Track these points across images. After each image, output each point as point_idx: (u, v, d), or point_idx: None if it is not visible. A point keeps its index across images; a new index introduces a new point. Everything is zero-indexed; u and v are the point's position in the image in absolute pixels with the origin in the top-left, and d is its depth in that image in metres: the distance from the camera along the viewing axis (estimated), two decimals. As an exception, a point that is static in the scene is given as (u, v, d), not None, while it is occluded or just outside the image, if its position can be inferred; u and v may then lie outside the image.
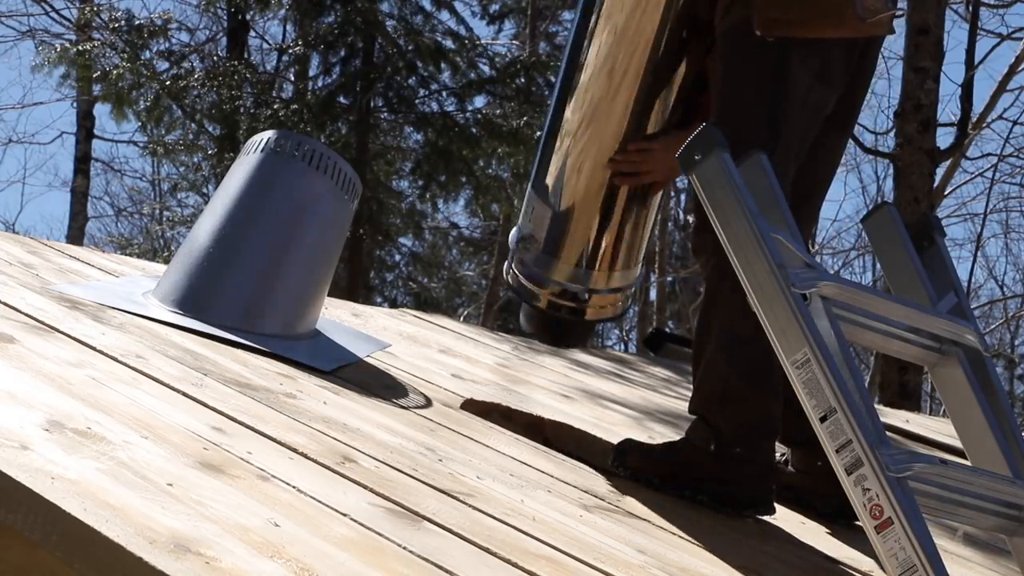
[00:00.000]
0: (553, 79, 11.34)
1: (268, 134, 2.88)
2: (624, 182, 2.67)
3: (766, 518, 2.51)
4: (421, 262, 15.89)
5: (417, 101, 11.32)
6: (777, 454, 2.68)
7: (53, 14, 16.92)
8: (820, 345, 1.95)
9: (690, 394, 2.59)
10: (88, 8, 13.52)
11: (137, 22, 11.36)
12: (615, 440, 2.67)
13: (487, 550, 1.65)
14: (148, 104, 11.17)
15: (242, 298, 2.71)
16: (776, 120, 2.42)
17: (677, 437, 2.62)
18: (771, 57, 2.42)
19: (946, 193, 13.16)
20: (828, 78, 2.47)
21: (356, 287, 11.27)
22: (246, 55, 12.76)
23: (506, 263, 2.88)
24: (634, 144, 2.63)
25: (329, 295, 3.22)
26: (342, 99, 11.24)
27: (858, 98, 2.63)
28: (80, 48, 11.54)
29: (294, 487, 1.65)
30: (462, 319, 13.55)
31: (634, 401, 3.71)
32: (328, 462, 1.84)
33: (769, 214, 2.13)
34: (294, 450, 1.84)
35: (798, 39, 2.41)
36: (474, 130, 11.15)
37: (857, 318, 2.15)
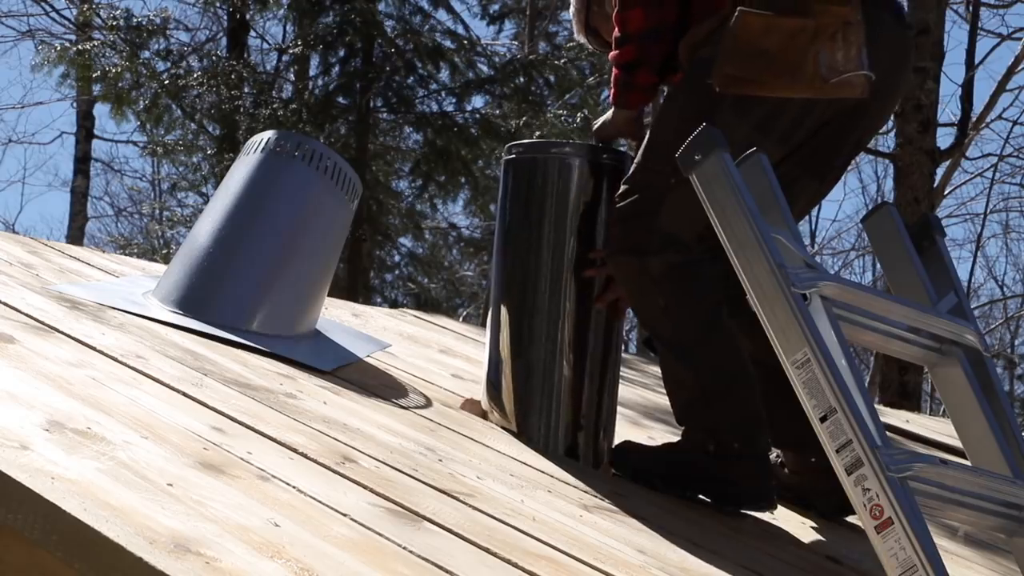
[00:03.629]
0: (552, 78, 11.34)
1: (268, 134, 2.88)
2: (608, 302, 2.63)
3: (766, 518, 2.51)
4: (421, 262, 15.86)
5: (416, 101, 11.30)
6: (772, 455, 2.69)
7: (53, 14, 16.92)
8: (820, 345, 1.95)
9: None
10: (87, 7, 13.50)
11: (135, 20, 11.34)
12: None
13: (487, 550, 1.65)
14: (148, 104, 11.16)
15: (242, 298, 2.70)
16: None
17: (677, 437, 2.62)
18: (705, 96, 2.43)
19: (946, 193, 13.15)
20: (770, 131, 2.45)
21: (356, 287, 11.25)
22: (246, 55, 12.74)
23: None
24: (591, 272, 2.61)
25: (329, 295, 3.22)
26: (341, 99, 11.23)
27: (839, 152, 2.60)
28: (80, 48, 11.52)
29: (294, 487, 1.65)
30: (462, 319, 13.54)
31: (633, 400, 3.71)
32: (328, 462, 1.84)
33: (769, 214, 2.13)
34: (294, 450, 1.84)
35: (739, 95, 2.42)
36: (473, 130, 11.14)
37: (857, 318, 2.15)
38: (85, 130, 16.62)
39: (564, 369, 2.59)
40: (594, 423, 2.62)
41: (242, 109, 11.03)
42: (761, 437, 2.50)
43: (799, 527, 2.58)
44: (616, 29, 2.62)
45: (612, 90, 2.70)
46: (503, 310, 2.66)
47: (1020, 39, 12.35)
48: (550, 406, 2.59)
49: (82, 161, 16.69)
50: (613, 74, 2.68)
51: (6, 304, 2.29)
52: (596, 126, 2.76)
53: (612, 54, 2.65)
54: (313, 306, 2.88)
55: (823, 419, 1.91)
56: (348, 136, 10.99)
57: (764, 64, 2.39)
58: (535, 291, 2.61)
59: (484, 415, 2.69)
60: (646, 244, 2.46)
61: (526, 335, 2.62)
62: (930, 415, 7.45)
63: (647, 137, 2.56)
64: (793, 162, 2.52)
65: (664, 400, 3.98)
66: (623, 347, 2.94)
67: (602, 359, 2.63)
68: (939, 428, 4.81)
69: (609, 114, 2.73)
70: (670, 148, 2.26)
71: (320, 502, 1.62)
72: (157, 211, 18.77)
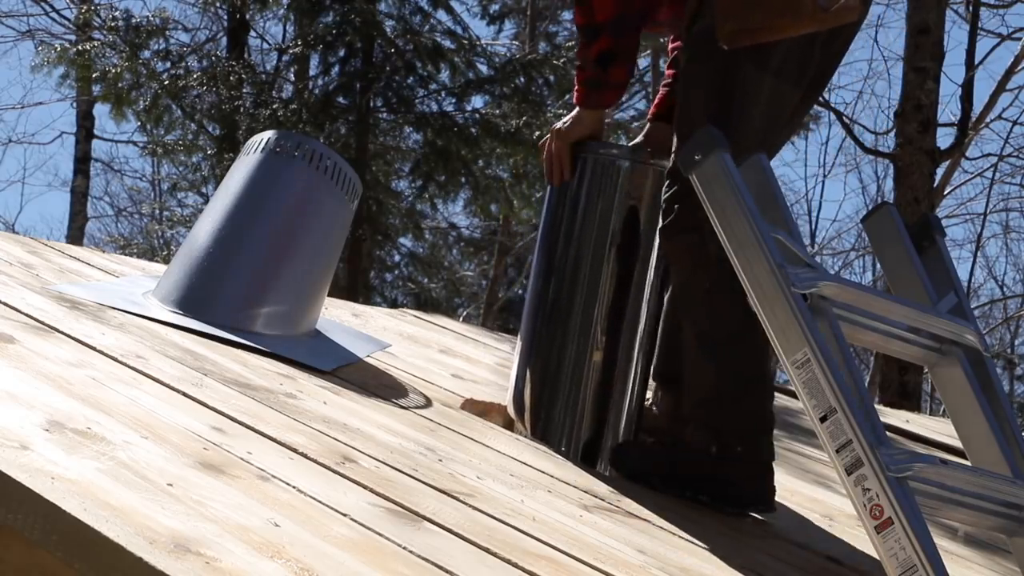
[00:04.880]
0: (552, 78, 11.34)
1: (268, 134, 2.88)
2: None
3: (766, 518, 2.51)
4: (421, 262, 15.87)
5: (416, 101, 11.30)
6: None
7: (53, 14, 16.93)
8: (820, 345, 1.95)
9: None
10: (87, 8, 13.51)
11: (135, 21, 11.35)
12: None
13: (487, 550, 1.66)
14: (147, 104, 11.17)
15: (242, 298, 2.70)
16: (725, 122, 2.42)
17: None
18: (722, 65, 2.45)
19: (946, 193, 13.16)
20: (786, 74, 2.48)
21: (356, 287, 11.25)
22: (246, 55, 12.74)
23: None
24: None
25: (329, 295, 3.22)
26: (341, 99, 11.23)
27: (828, 75, 2.64)
28: (80, 48, 11.53)
29: (294, 487, 1.65)
30: (462, 319, 13.54)
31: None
32: (328, 462, 1.84)
33: (769, 214, 2.13)
34: (294, 450, 1.84)
35: (751, 46, 2.43)
36: (473, 130, 11.14)
37: (857, 318, 2.15)
38: (85, 130, 16.62)
39: (593, 372, 2.59)
40: (617, 429, 2.62)
41: (242, 109, 11.02)
42: (766, 442, 2.50)
43: (799, 527, 2.58)
44: (580, 17, 2.53)
45: (578, 90, 2.60)
46: (539, 312, 2.65)
47: (1020, 39, 12.36)
48: (575, 409, 2.59)
49: (82, 161, 16.69)
50: (580, 73, 2.58)
51: (6, 304, 2.29)
52: (561, 130, 2.63)
53: (582, 47, 2.56)
54: (313, 306, 2.88)
55: (823, 419, 1.91)
56: (348, 136, 10.99)
57: (762, 9, 2.40)
58: (572, 292, 2.61)
59: (484, 415, 2.69)
60: (706, 222, 2.44)
61: (559, 337, 2.62)
62: (930, 415, 7.45)
63: (679, 120, 2.51)
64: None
65: (664, 400, 3.98)
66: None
67: (632, 362, 2.63)
68: (939, 428, 4.81)
69: (573, 116, 2.63)
70: (708, 121, 2.25)
71: (320, 502, 1.62)
72: (157, 211, 18.78)
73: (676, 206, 2.48)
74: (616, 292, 2.60)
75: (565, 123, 2.65)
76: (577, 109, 2.63)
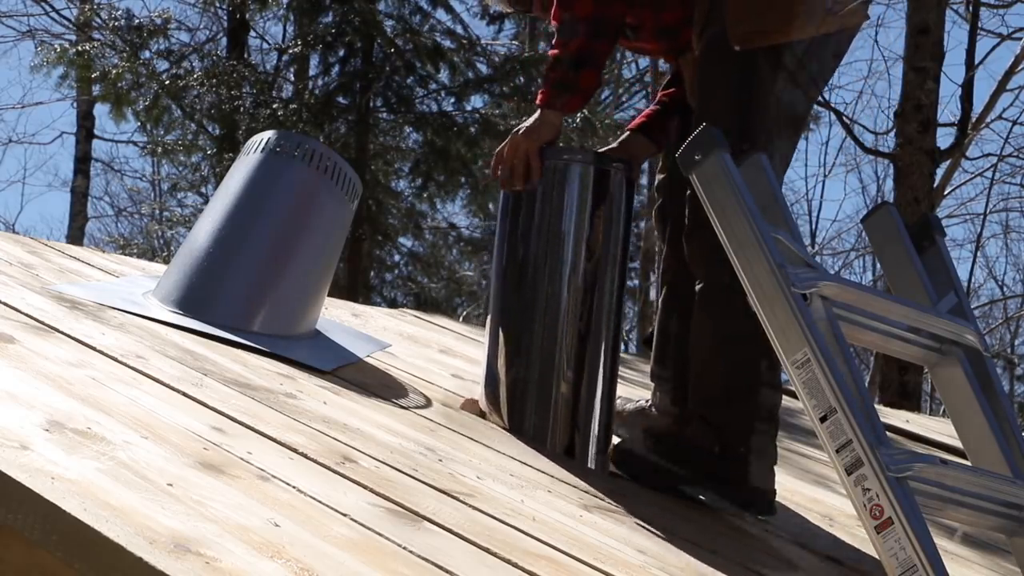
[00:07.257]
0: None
1: (268, 134, 2.88)
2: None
3: (766, 518, 2.51)
4: (421, 262, 15.86)
5: (416, 101, 11.31)
6: (643, 401, 2.69)
7: (53, 14, 16.92)
8: (820, 345, 1.95)
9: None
10: (88, 8, 13.51)
11: (136, 22, 11.36)
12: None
13: (487, 550, 1.66)
14: (147, 104, 11.17)
15: (242, 298, 2.70)
16: (745, 126, 2.42)
17: (677, 437, 2.62)
18: (738, 66, 2.46)
19: (946, 193, 13.14)
20: (800, 79, 2.50)
21: (356, 287, 11.25)
22: (246, 55, 12.74)
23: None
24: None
25: (329, 295, 3.22)
26: (341, 99, 11.23)
27: (830, 75, 2.71)
28: (80, 48, 11.53)
29: (294, 487, 1.65)
30: (462, 319, 13.54)
31: (634, 400, 3.70)
32: (328, 462, 1.84)
33: (769, 214, 2.13)
34: (294, 450, 1.84)
35: (767, 47, 2.44)
36: (472, 129, 11.14)
37: (857, 318, 2.15)
38: (85, 130, 16.61)
39: (564, 373, 2.59)
40: (590, 427, 2.62)
41: (242, 109, 11.02)
42: (770, 445, 2.49)
43: (799, 527, 2.58)
44: (557, 11, 2.51)
45: (545, 90, 2.55)
46: (501, 316, 2.65)
47: (1020, 39, 12.35)
48: (547, 410, 2.59)
49: (82, 161, 16.68)
50: (551, 72, 2.55)
51: (6, 304, 2.29)
52: (528, 132, 2.58)
53: (558, 45, 2.53)
54: (313, 306, 2.88)
55: (823, 419, 1.91)
56: (348, 136, 10.99)
57: (776, 11, 2.41)
58: (533, 296, 2.61)
59: (484, 415, 2.69)
60: None
61: (525, 340, 2.61)
62: (930, 415, 7.45)
63: (698, 123, 2.50)
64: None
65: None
66: (623, 347, 2.94)
67: (601, 362, 2.62)
68: (939, 428, 4.81)
69: (538, 118, 2.58)
70: (730, 123, 2.23)
71: (320, 502, 1.62)
72: (157, 211, 18.76)
73: (698, 206, 2.48)
74: (583, 291, 2.60)
75: (528, 126, 2.59)
76: (540, 110, 2.58)
